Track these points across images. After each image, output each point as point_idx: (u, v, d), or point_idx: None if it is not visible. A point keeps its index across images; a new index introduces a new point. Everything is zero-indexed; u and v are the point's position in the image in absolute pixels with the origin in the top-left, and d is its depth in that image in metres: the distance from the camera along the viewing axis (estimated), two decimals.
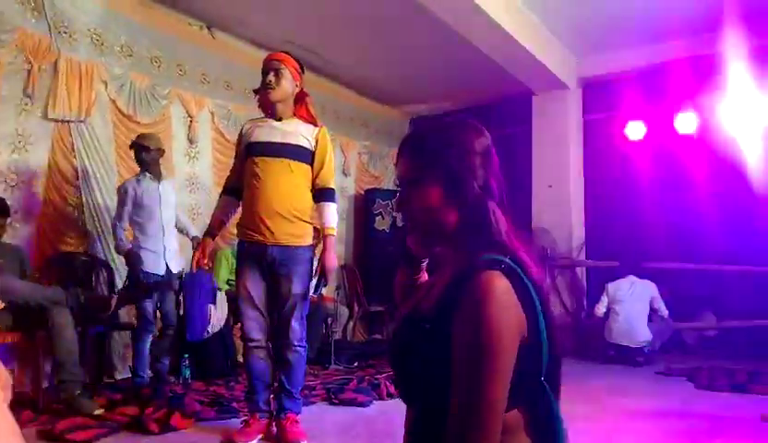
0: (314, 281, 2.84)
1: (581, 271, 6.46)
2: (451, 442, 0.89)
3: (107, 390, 3.76)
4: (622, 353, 5.38)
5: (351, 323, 6.36)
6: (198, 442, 2.79)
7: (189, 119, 5.11)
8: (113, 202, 4.34)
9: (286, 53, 2.89)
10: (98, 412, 3.09)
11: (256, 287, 2.78)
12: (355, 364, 5.14)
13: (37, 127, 4.04)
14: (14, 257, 3.60)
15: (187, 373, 4.07)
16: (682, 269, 5.79)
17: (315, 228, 2.91)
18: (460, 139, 1.06)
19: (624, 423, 3.23)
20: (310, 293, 2.88)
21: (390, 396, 3.72)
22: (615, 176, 6.32)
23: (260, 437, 2.77)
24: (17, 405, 3.11)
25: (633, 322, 5.31)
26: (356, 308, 6.44)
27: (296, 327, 2.79)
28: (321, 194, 2.87)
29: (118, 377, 4.26)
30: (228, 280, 4.82)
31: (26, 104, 3.97)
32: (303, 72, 2.91)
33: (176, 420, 2.93)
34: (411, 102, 7.41)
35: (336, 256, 2.89)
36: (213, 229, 2.93)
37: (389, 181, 7.50)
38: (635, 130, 6.07)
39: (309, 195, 2.88)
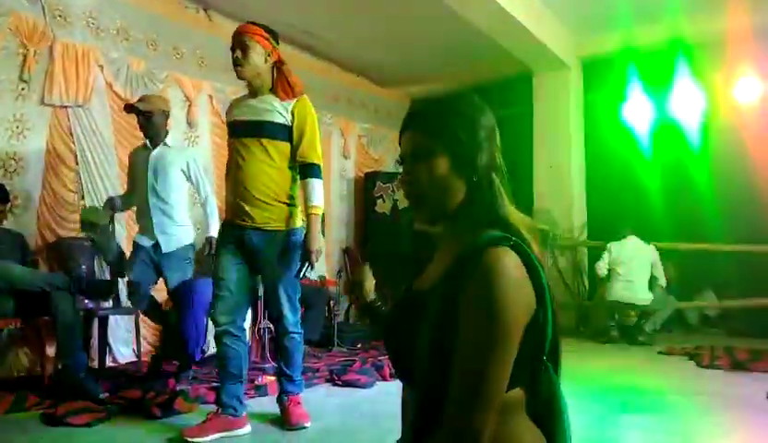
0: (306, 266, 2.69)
1: (582, 251, 6.46)
2: (452, 421, 0.88)
3: (110, 374, 3.78)
4: (623, 329, 5.40)
5: (353, 306, 6.38)
6: None
7: (187, 103, 5.07)
8: (112, 186, 4.33)
9: (253, 23, 2.68)
10: (103, 396, 3.11)
11: (230, 269, 2.63)
12: (358, 345, 5.17)
13: (34, 113, 4.01)
14: (14, 244, 3.60)
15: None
16: (684, 248, 5.79)
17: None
18: (467, 112, 1.05)
19: (626, 402, 3.24)
20: (296, 277, 2.72)
21: (393, 377, 3.74)
22: (616, 156, 6.30)
23: (219, 435, 2.51)
24: (22, 389, 3.13)
25: (635, 279, 5.33)
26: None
27: (288, 314, 2.69)
28: (303, 170, 2.69)
29: (121, 360, 4.28)
30: None
31: (22, 89, 3.94)
32: (276, 39, 2.70)
33: (179, 404, 2.94)
34: (410, 84, 7.36)
35: (319, 236, 2.68)
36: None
37: (389, 163, 7.47)
38: (636, 109, 6.03)
39: (293, 173, 2.70)
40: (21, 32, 3.90)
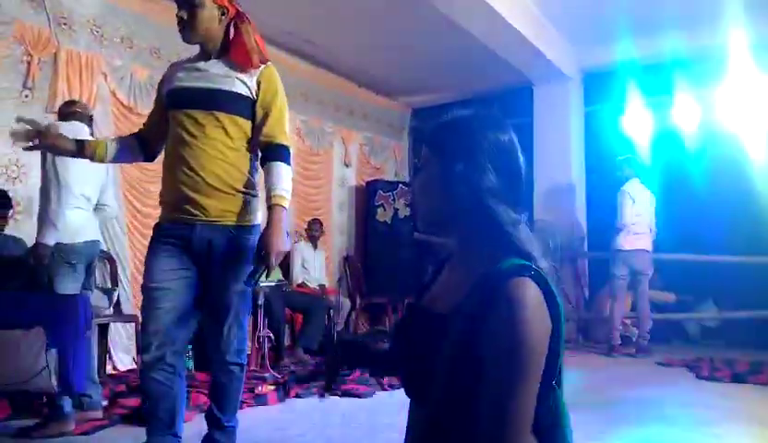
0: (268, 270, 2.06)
1: (582, 263, 6.46)
2: None
3: (110, 382, 3.78)
4: (624, 338, 5.39)
5: (353, 314, 6.37)
6: (201, 434, 2.79)
7: None
8: (114, 194, 4.34)
9: None
10: (103, 403, 3.10)
11: (167, 277, 2.02)
12: None
13: (38, 120, 4.03)
14: (16, 251, 3.60)
15: (190, 364, 4.08)
16: (684, 259, 5.79)
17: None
18: (477, 133, 1.04)
19: (626, 413, 3.23)
20: (246, 284, 2.11)
21: (392, 387, 3.74)
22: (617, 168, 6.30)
23: None
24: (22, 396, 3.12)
25: (644, 230, 5.30)
26: (358, 299, 6.45)
27: (230, 336, 2.06)
28: (268, 151, 2.10)
29: (121, 368, 4.27)
30: None
31: (26, 97, 3.97)
32: None
33: None
34: (412, 94, 7.39)
35: (285, 235, 2.06)
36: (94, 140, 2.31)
37: (390, 172, 7.50)
38: (636, 121, 6.05)
39: (251, 157, 2.15)
40: (26, 40, 3.93)
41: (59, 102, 4.07)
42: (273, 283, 4.65)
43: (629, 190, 5.24)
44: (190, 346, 4.13)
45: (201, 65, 2.11)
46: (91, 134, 3.09)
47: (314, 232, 5.69)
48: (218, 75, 2.07)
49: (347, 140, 6.90)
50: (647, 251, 5.26)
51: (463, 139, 1.04)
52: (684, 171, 5.74)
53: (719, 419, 3.11)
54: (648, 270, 5.29)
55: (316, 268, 5.67)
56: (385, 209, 6.87)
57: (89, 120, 3.13)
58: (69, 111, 3.08)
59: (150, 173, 4.45)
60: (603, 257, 5.66)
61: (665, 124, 5.95)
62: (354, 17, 5.29)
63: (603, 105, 6.49)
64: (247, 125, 2.10)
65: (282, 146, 2.11)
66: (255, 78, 2.09)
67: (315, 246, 5.71)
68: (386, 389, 3.74)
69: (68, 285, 2.82)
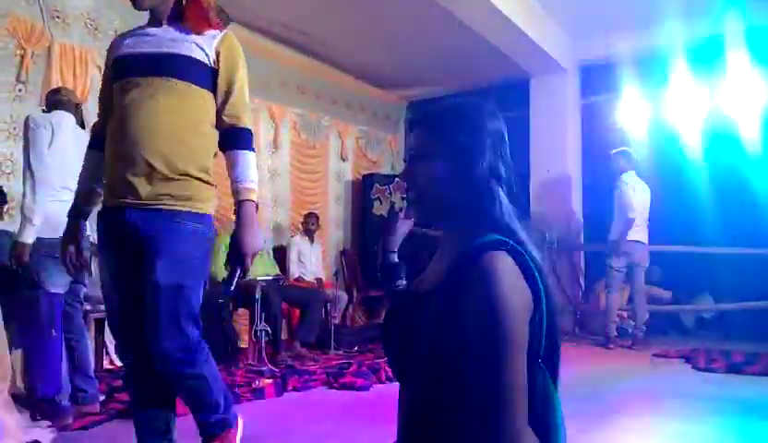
0: (243, 272, 1.84)
1: (579, 255, 6.47)
2: (477, 424, 0.89)
3: (107, 377, 3.77)
4: (620, 331, 5.41)
5: (350, 308, 6.38)
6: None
7: None
8: None
9: None
10: (99, 398, 3.10)
11: (127, 280, 1.79)
12: (355, 348, 5.17)
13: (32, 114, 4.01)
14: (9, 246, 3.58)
15: None
16: (680, 251, 5.81)
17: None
18: (474, 117, 1.06)
19: (622, 404, 3.25)
20: (225, 291, 1.86)
21: (390, 380, 3.74)
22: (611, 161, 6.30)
23: None
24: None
25: (645, 221, 5.30)
26: (355, 293, 6.45)
27: (171, 339, 1.72)
28: (232, 135, 1.86)
29: (118, 363, 4.27)
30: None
31: (19, 91, 3.94)
32: None
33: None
34: (408, 87, 7.36)
35: (259, 233, 1.85)
36: (80, 204, 1.93)
37: (386, 165, 7.49)
38: (633, 113, 6.04)
39: (211, 136, 1.86)
40: (19, 33, 3.90)
41: None
42: (270, 277, 4.64)
43: (628, 181, 5.24)
44: None
45: (152, 30, 1.87)
46: (81, 123, 3.02)
47: (310, 225, 5.68)
48: (172, 39, 1.82)
49: (343, 133, 6.88)
50: (644, 243, 5.27)
51: (468, 124, 1.04)
52: (680, 163, 5.74)
53: (715, 410, 3.12)
54: (645, 262, 5.30)
55: (312, 261, 5.66)
56: (381, 203, 6.86)
57: (74, 108, 3.03)
58: (55, 99, 3.01)
59: None
60: (599, 249, 5.66)
61: (661, 116, 5.95)
62: (350, 9, 5.26)
63: (599, 97, 6.48)
64: (207, 97, 1.83)
65: (247, 130, 1.89)
66: (214, 45, 1.84)
67: (311, 240, 5.70)
68: (383, 382, 3.74)
69: (57, 280, 2.74)
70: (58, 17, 4.14)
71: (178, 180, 1.76)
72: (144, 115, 1.74)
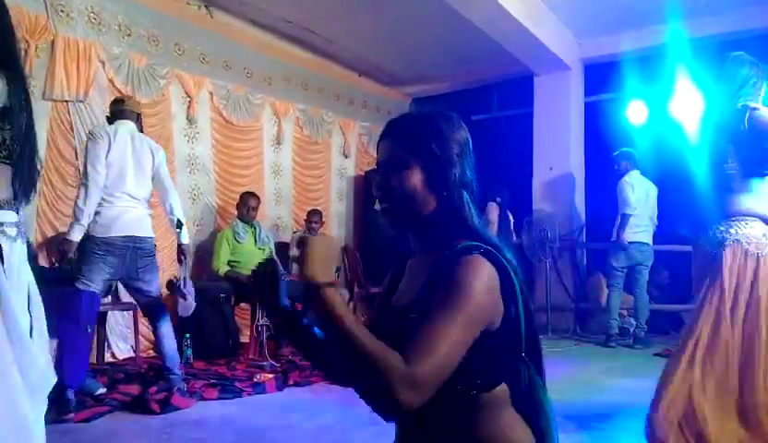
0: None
1: (581, 253, 6.46)
2: (402, 370, 0.89)
3: (109, 370, 3.79)
4: (621, 330, 5.39)
5: (351, 304, 6.38)
6: (200, 422, 2.81)
7: (188, 99, 5.07)
8: None
9: None
10: (101, 391, 3.11)
11: None
12: None
13: (35, 107, 3.99)
14: None
15: (189, 353, 4.09)
16: (682, 251, 5.79)
17: None
18: (443, 128, 1.09)
19: (623, 403, 3.25)
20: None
21: None
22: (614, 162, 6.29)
23: None
24: None
25: (651, 220, 5.29)
26: (356, 289, 6.46)
27: None
28: None
29: (120, 356, 4.28)
30: (229, 261, 4.84)
31: None
32: None
33: (178, 400, 2.95)
34: (411, 83, 7.35)
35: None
36: None
37: None
38: (637, 112, 6.03)
39: None
40: (23, 27, 3.89)
41: (56, 90, 4.07)
42: None
43: (628, 180, 5.23)
44: (189, 335, 4.14)
45: None
46: (140, 130, 3.21)
47: (313, 223, 5.68)
48: None
49: (346, 130, 6.88)
50: (647, 243, 5.26)
51: (439, 135, 1.08)
52: (683, 162, 5.72)
53: None
54: (647, 262, 5.29)
55: None
56: None
57: (136, 117, 3.21)
58: (117, 109, 3.18)
59: None
60: (602, 247, 5.65)
61: (664, 114, 5.93)
62: (354, 6, 5.25)
63: (603, 96, 6.46)
64: None
65: None
66: None
67: None
68: None
69: (94, 277, 2.90)
70: (62, 11, 4.14)
71: None
72: None
